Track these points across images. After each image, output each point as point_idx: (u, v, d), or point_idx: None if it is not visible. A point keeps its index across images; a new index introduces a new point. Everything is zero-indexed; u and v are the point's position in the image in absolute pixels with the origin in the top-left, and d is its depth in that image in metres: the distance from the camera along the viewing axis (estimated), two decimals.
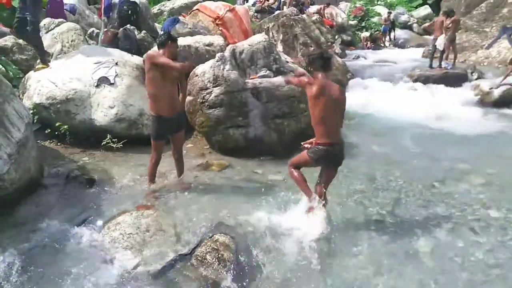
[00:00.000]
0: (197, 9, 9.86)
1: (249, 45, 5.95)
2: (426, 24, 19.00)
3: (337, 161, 3.71)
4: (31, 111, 5.32)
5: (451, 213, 4.16)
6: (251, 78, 5.70)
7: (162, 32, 5.73)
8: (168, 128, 4.28)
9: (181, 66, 4.12)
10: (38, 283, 3.00)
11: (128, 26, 7.34)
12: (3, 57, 6.70)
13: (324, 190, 3.75)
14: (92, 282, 3.00)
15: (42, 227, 3.66)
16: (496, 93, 9.04)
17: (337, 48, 11.82)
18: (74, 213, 3.95)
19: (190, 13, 10.20)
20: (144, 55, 6.32)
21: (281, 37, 9.38)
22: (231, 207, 4.01)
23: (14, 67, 6.80)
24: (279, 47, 8.89)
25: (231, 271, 3.07)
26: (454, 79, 9.99)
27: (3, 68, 6.43)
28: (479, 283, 3.16)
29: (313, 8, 16.03)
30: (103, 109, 5.56)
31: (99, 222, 3.72)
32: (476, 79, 10.00)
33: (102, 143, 5.39)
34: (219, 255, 3.17)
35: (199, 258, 3.18)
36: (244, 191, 4.53)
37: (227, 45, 6.67)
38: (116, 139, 5.43)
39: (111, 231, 3.54)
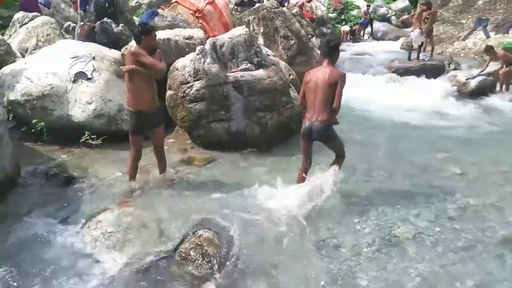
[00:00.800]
0: (176, 2, 9.66)
1: (230, 38, 5.89)
2: (404, 17, 19.27)
3: (316, 137, 3.98)
4: (6, 108, 5.14)
5: (431, 201, 4.24)
6: (233, 72, 5.65)
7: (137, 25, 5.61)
8: (148, 123, 4.22)
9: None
10: (17, 284, 2.92)
11: (105, 19, 7.15)
12: None
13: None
14: (73, 283, 2.93)
15: (21, 227, 3.57)
16: (473, 83, 9.25)
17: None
18: (53, 212, 3.86)
19: (169, 6, 10.00)
20: (124, 49, 6.23)
21: (261, 30, 9.29)
22: (215, 202, 3.99)
23: None
24: (260, 40, 8.81)
25: (216, 267, 3.06)
26: (432, 71, 10.19)
27: None
28: (457, 268, 3.24)
29: (293, 1, 16.00)
30: (81, 105, 5.43)
31: (80, 221, 3.64)
32: (453, 70, 10.22)
33: (81, 140, 5.27)
34: (203, 251, 3.15)
35: (183, 255, 3.15)
36: (228, 185, 4.50)
37: (207, 38, 6.58)
38: (95, 136, 5.31)
39: (92, 230, 3.48)
